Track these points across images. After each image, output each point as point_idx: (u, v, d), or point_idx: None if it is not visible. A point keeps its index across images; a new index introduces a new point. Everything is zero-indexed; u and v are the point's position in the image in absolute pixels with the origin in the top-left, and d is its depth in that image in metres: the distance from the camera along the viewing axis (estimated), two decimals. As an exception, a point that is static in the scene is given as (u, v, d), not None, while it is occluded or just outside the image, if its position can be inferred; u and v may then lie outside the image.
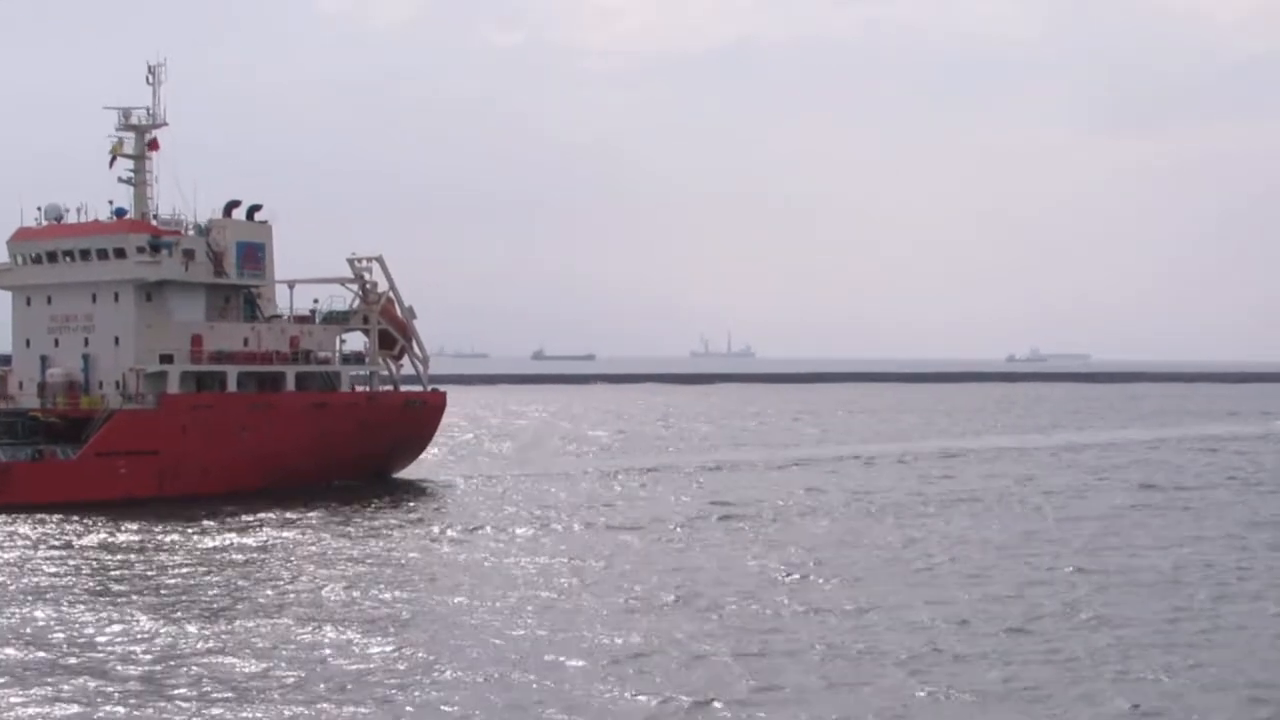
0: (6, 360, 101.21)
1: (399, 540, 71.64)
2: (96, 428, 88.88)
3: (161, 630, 49.08)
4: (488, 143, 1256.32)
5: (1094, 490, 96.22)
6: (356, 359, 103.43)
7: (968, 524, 77.75)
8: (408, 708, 39.59)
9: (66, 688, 41.17)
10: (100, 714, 38.78)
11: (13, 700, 39.76)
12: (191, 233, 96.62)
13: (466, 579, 59.81)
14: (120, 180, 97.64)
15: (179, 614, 51.97)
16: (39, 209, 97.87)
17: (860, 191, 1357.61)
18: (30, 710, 38.91)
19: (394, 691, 41.08)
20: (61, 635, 48.37)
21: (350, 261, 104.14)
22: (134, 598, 55.45)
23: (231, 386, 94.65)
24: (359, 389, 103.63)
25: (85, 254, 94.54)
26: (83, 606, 53.55)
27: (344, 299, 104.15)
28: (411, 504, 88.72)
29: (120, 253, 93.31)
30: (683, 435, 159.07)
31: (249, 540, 71.55)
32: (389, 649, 46.24)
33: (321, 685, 41.68)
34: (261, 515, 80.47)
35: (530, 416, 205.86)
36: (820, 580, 59.31)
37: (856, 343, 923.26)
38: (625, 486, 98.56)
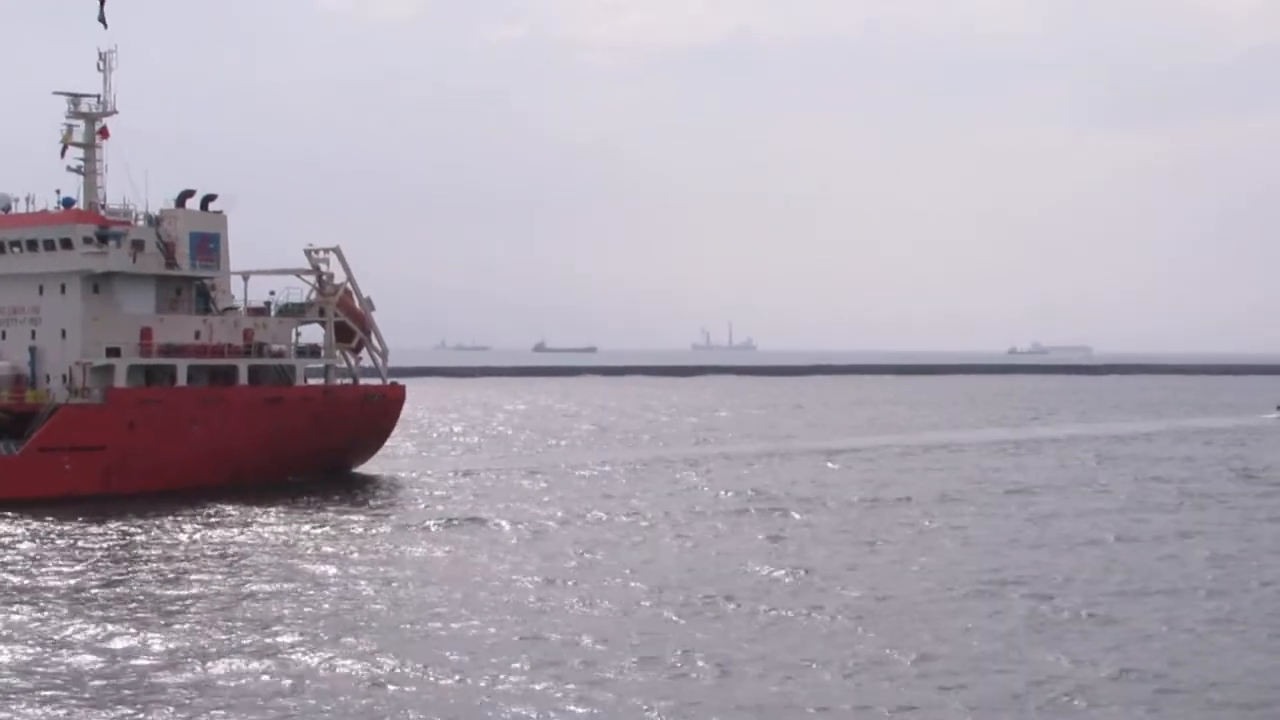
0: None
1: (348, 537, 69.84)
2: (40, 422, 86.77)
3: (98, 633, 47.12)
4: (488, 139, 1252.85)
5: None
6: (312, 352, 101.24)
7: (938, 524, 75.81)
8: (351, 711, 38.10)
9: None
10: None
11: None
12: (142, 223, 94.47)
13: (414, 574, 58.65)
14: (70, 169, 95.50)
15: (118, 616, 50.08)
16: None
17: (861, 188, 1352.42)
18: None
19: (341, 697, 39.58)
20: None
21: (307, 252, 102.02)
22: (72, 598, 53.49)
23: (182, 380, 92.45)
24: (315, 382, 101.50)
25: (32, 245, 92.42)
26: (14, 609, 51.36)
27: (302, 291, 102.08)
28: (364, 500, 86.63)
29: (67, 244, 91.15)
30: (657, 427, 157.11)
31: (197, 538, 69.55)
32: (334, 652, 44.53)
33: (265, 688, 40.23)
34: (210, 512, 78.39)
35: (510, 410, 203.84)
36: (826, 580, 57.41)
37: (858, 337, 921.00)
38: (593, 481, 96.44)
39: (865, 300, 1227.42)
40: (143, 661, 43.54)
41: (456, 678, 41.62)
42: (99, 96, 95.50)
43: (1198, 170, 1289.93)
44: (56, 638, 46.71)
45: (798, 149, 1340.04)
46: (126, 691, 39.97)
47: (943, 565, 61.65)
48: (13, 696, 39.48)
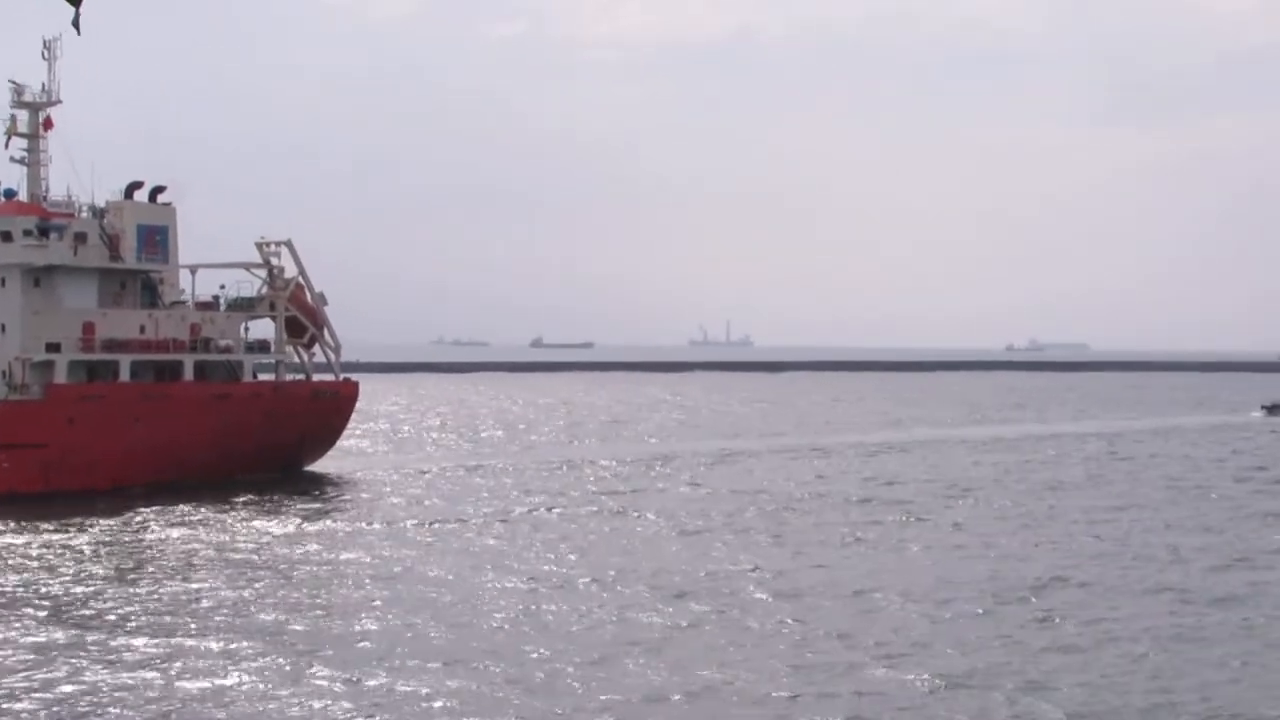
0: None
1: (290, 536, 68.09)
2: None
3: (32, 639, 45.29)
4: (488, 137, 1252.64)
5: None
6: (262, 347, 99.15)
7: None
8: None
9: None
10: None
11: None
12: (86, 215, 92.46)
13: (352, 575, 57.33)
14: (13, 160, 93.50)
15: (54, 619, 48.38)
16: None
17: (860, 186, 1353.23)
18: None
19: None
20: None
21: (259, 246, 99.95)
22: (5, 601, 51.73)
23: (125, 376, 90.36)
24: (266, 378, 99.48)
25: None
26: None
27: (253, 285, 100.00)
28: (311, 498, 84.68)
29: (7, 236, 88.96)
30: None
31: (136, 539, 67.49)
32: (272, 658, 42.93)
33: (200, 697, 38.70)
34: (151, 512, 76.36)
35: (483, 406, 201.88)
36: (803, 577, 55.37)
37: (856, 334, 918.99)
38: (555, 478, 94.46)
39: (864, 298, 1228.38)
40: (72, 668, 41.76)
41: (358, 677, 39.81)
42: (43, 85, 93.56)
43: (1196, 168, 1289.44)
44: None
45: (798, 147, 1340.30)
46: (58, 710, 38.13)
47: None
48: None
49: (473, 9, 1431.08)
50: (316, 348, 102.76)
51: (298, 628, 47.52)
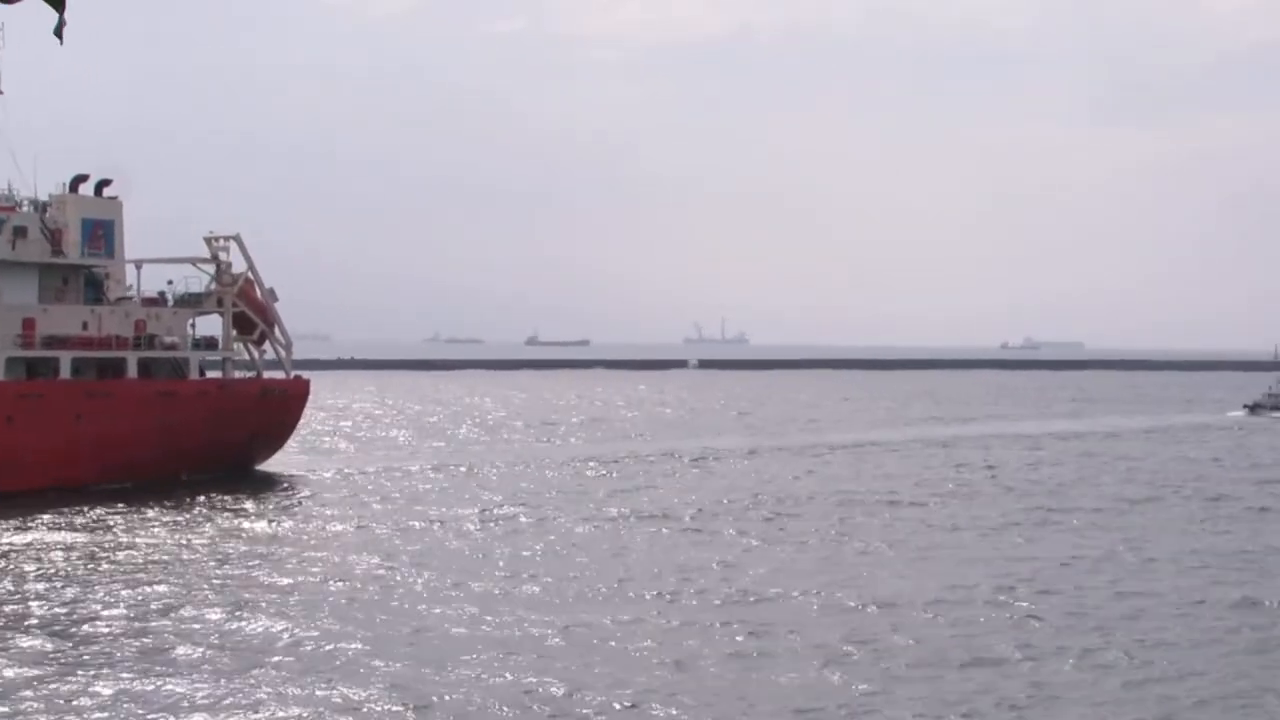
0: None
1: (225, 537, 66.43)
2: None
3: None
4: (485, 134, 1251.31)
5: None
6: (209, 344, 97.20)
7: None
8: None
9: None
10: None
11: None
12: (26, 209, 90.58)
13: (290, 576, 55.78)
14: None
15: None
16: None
17: (859, 185, 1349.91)
18: None
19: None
20: None
21: (207, 240, 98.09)
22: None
23: (66, 373, 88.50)
24: (215, 375, 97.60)
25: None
26: None
27: (201, 281, 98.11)
28: (255, 499, 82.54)
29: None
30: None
31: (75, 540, 65.55)
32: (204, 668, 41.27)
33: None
34: (92, 512, 74.45)
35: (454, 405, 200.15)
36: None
37: (853, 332, 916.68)
38: (492, 477, 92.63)
39: (861, 296, 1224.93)
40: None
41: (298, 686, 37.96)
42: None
43: (1195, 168, 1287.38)
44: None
45: (796, 147, 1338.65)
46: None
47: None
48: None
49: (472, 7, 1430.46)
50: (267, 345, 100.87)
51: (207, 631, 45.96)
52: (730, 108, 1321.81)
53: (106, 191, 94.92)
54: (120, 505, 77.21)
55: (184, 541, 65.65)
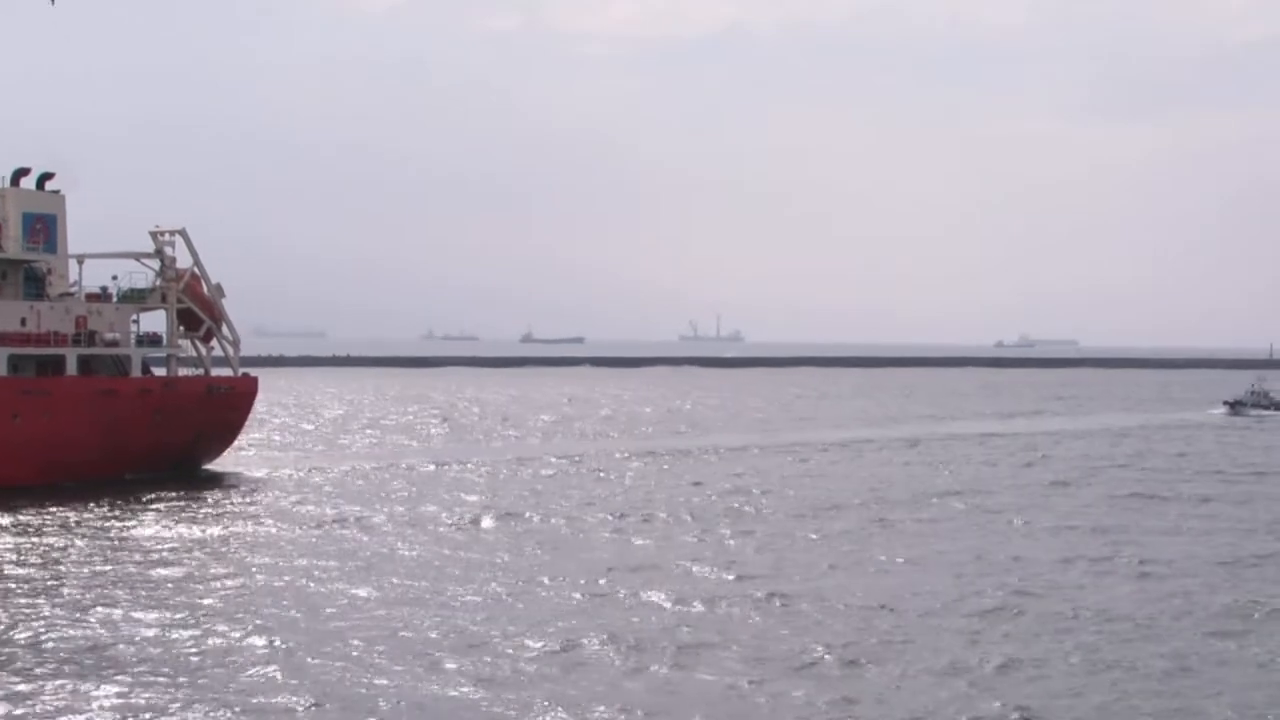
0: None
1: (164, 540, 64.40)
2: None
3: None
4: (480, 129, 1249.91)
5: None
6: (153, 341, 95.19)
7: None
8: None
9: None
10: None
11: None
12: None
13: (232, 580, 54.21)
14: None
15: None
16: None
17: (853, 181, 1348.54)
18: None
19: None
20: None
21: (152, 234, 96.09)
22: None
23: (2, 371, 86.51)
24: (160, 373, 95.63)
25: None
26: None
27: (146, 276, 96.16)
28: (200, 499, 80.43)
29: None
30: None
31: (9, 542, 63.71)
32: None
33: None
34: (28, 513, 72.54)
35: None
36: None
37: (850, 330, 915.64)
38: (442, 478, 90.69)
39: (857, 293, 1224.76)
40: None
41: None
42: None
43: (1190, 164, 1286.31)
44: None
45: (791, 143, 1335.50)
46: None
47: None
48: None
49: (468, 3, 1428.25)
50: (215, 342, 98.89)
51: (132, 636, 44.03)
52: (724, 104, 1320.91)
53: (49, 185, 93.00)
54: (58, 507, 75.28)
55: (117, 543, 63.64)
